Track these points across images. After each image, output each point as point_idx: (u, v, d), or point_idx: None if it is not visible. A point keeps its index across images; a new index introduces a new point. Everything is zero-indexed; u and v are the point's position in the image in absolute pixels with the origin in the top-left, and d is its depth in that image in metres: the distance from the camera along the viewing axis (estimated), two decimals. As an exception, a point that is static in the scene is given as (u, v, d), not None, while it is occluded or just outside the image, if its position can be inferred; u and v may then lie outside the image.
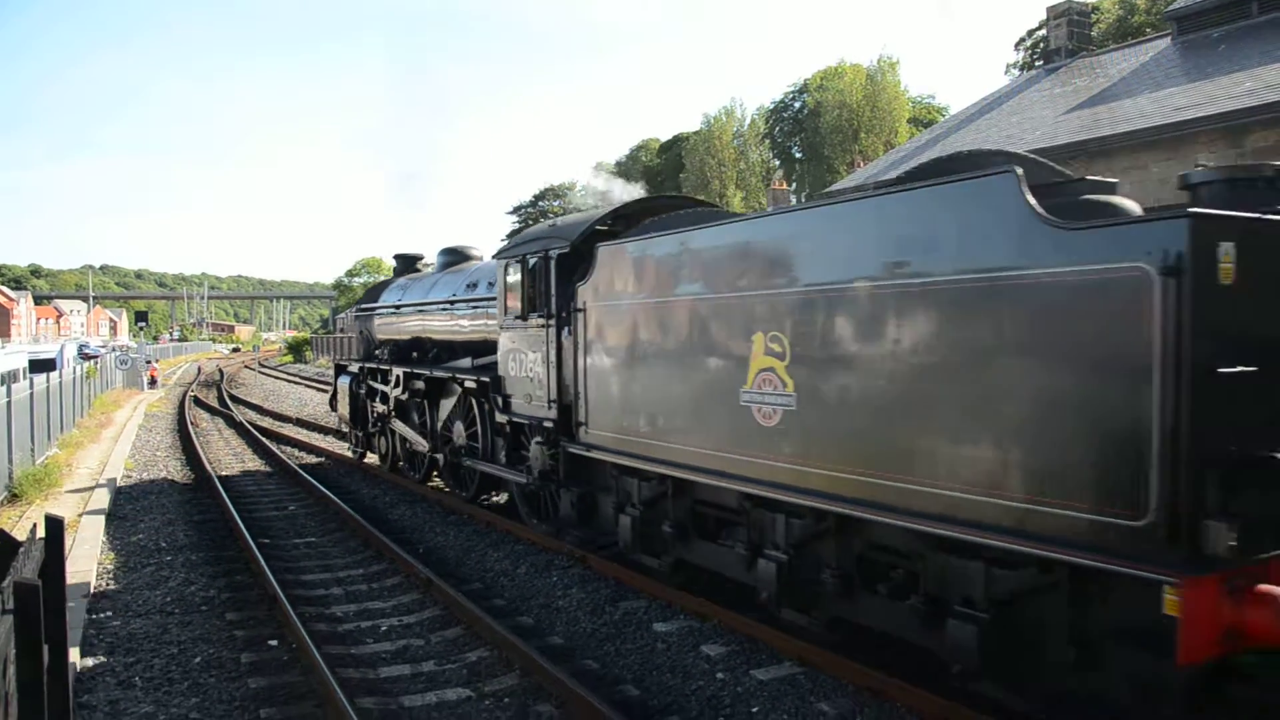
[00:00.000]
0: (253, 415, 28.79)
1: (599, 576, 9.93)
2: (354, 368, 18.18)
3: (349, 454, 18.87)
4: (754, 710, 6.47)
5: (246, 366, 61.56)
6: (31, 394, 16.89)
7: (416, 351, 15.75)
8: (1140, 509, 4.75)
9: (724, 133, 70.47)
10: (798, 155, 72.36)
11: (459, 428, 13.46)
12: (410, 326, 15.85)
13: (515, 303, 11.17)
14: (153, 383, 44.90)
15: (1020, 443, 5.35)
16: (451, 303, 14.24)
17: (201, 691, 7.06)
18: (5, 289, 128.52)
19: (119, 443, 21.77)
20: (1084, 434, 5.02)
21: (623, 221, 10.54)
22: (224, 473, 17.54)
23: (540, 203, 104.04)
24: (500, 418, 11.64)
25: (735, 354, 7.50)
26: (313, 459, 19.73)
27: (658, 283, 8.57)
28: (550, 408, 10.42)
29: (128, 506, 14.10)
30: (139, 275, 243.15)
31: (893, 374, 6.10)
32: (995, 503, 5.45)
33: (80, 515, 12.89)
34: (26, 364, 39.41)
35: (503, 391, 11.56)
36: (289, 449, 21.15)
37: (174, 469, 18.35)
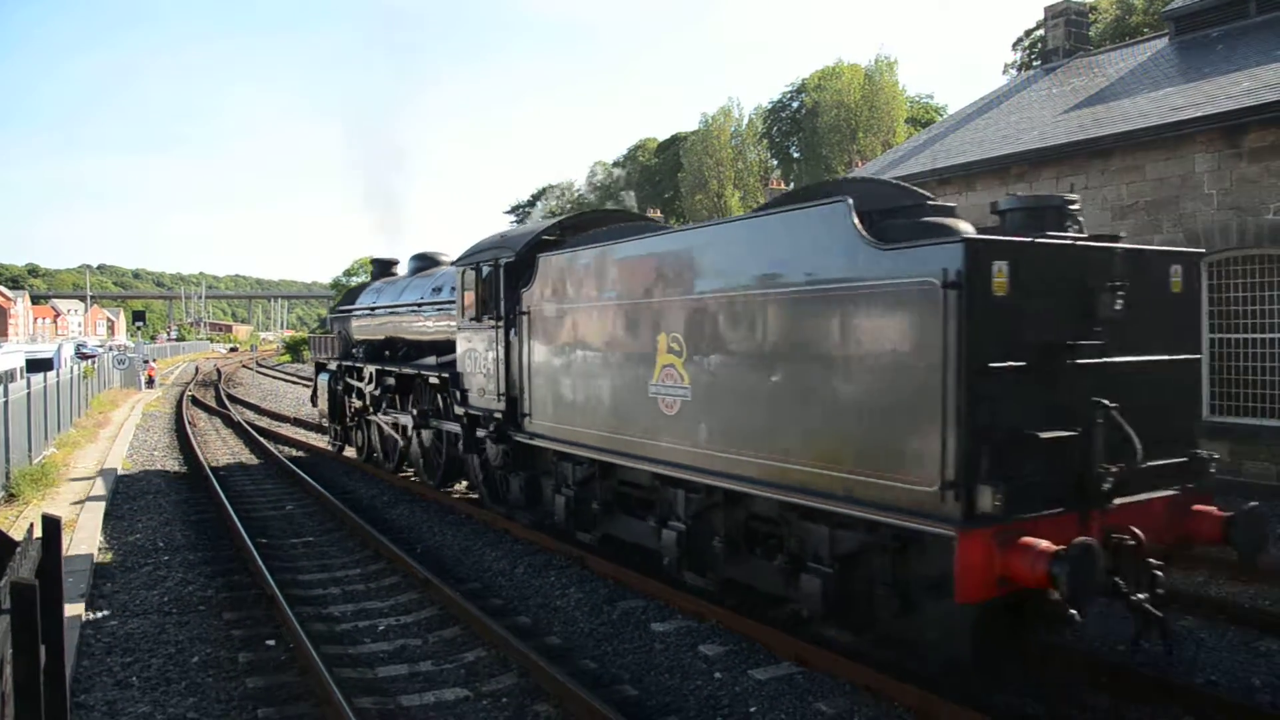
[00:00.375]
0: (250, 415, 28.77)
1: (597, 576, 9.93)
2: (332, 366, 19.23)
3: (329, 447, 19.93)
4: (752, 710, 6.47)
5: (244, 366, 61.52)
6: (29, 394, 16.86)
7: (389, 350, 16.74)
8: (933, 477, 5.82)
9: (722, 132, 70.49)
10: (795, 155, 72.39)
11: (433, 421, 14.35)
12: (383, 327, 16.91)
13: (470, 306, 12.21)
14: (150, 382, 44.85)
15: (851, 425, 6.47)
16: (419, 305, 15.31)
17: (199, 691, 7.05)
18: (2, 288, 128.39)
19: (116, 442, 21.74)
20: (895, 417, 6.12)
21: (569, 232, 11.69)
22: (221, 472, 17.52)
23: (538, 202, 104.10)
24: (458, 410, 12.65)
25: (645, 352, 8.63)
26: (311, 458, 19.71)
27: (585, 289, 9.69)
28: (500, 400, 11.52)
29: (125, 506, 14.08)
30: (136, 275, 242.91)
31: (761, 369, 7.26)
32: (834, 475, 6.56)
33: (77, 515, 12.87)
34: (23, 364, 39.34)
35: (461, 386, 12.62)
36: (286, 448, 21.14)
37: (171, 469, 18.33)
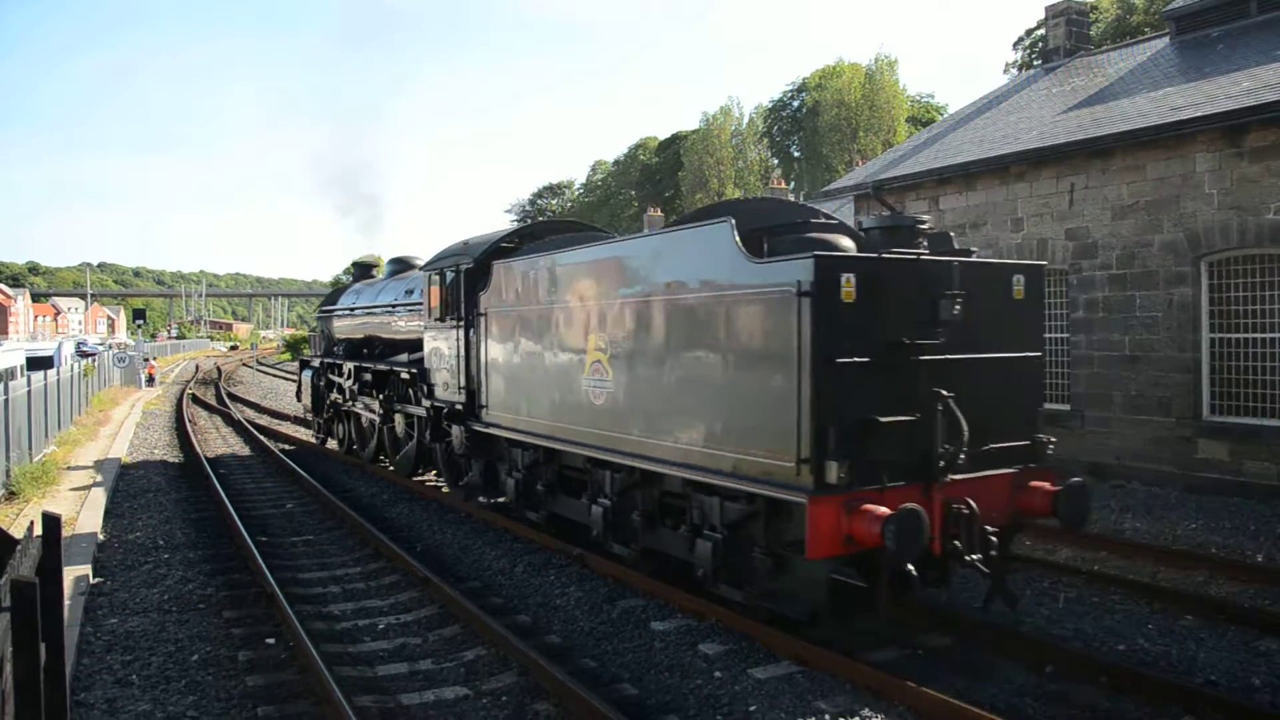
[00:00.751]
0: (250, 413, 28.78)
1: (596, 575, 9.94)
2: (315, 362, 20.53)
3: (313, 439, 21.18)
4: (752, 709, 6.47)
5: (244, 364, 61.51)
6: (29, 391, 16.87)
7: (367, 348, 18.02)
8: (791, 454, 6.89)
9: (722, 132, 70.48)
10: (796, 154, 72.35)
11: (400, 413, 15.58)
12: (362, 326, 18.12)
13: (436, 307, 13.42)
14: (150, 381, 44.84)
15: (733, 411, 7.60)
16: (394, 306, 16.39)
17: (199, 690, 7.05)
18: (3, 286, 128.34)
19: (117, 440, 21.75)
20: (765, 404, 7.19)
21: (527, 240, 12.76)
22: (222, 471, 17.53)
23: (539, 201, 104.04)
24: (425, 402, 13.90)
25: (579, 349, 9.77)
26: (311, 457, 19.71)
27: (531, 293, 10.86)
28: (460, 393, 12.67)
29: (125, 504, 14.08)
30: (137, 273, 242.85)
31: (666, 364, 8.40)
32: (723, 455, 7.65)
33: (77, 513, 12.87)
34: (24, 362, 39.34)
35: (428, 381, 13.83)
36: (287, 446, 21.14)
37: (172, 467, 18.33)
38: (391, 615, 8.88)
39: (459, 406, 12.73)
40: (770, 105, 74.72)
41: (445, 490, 14.32)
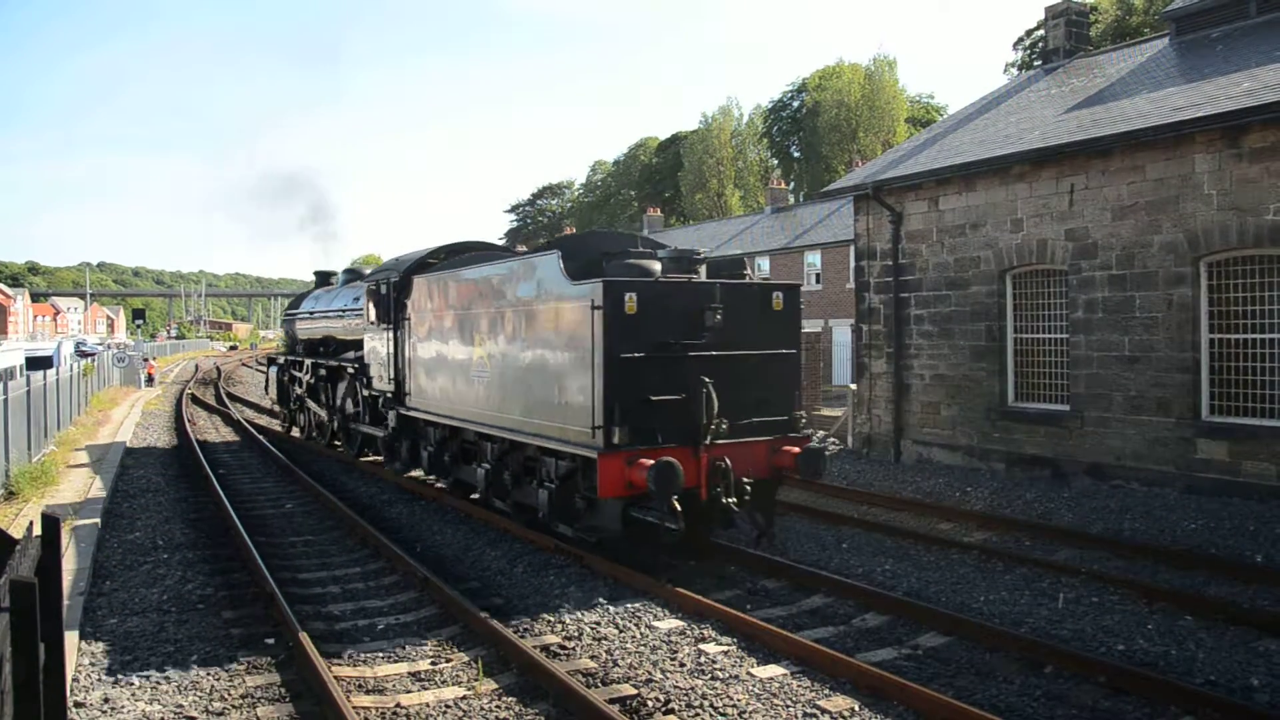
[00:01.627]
0: (250, 413, 28.76)
1: (596, 575, 9.94)
2: (281, 360, 23.45)
3: (279, 428, 23.97)
4: (752, 708, 6.47)
5: (244, 364, 61.45)
6: (28, 391, 16.86)
7: (323, 347, 20.55)
8: (589, 423, 9.44)
9: (722, 132, 70.46)
10: (796, 154, 72.32)
11: (348, 402, 18.17)
12: (319, 329, 20.64)
13: (372, 313, 16.01)
14: (150, 380, 44.82)
15: (561, 393, 10.12)
16: (344, 311, 18.77)
17: (198, 689, 7.04)
18: (2, 286, 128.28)
19: (116, 440, 21.73)
20: (576, 387, 9.76)
21: (447, 257, 15.24)
22: (221, 471, 17.52)
23: (539, 201, 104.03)
24: (365, 392, 16.79)
25: (469, 347, 12.43)
26: (309, 457, 19.70)
27: (440, 303, 13.54)
28: (390, 384, 15.33)
29: (124, 504, 14.07)
30: (136, 273, 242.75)
31: (521, 358, 11.01)
32: (555, 425, 10.21)
33: (77, 512, 12.87)
34: (23, 361, 39.32)
35: (368, 375, 16.54)
36: (287, 447, 21.12)
37: (171, 467, 18.33)
38: (391, 615, 8.88)
39: (390, 395, 15.45)
40: (770, 105, 74.72)
41: (387, 468, 16.46)
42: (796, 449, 10.28)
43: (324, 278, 22.76)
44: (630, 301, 9.48)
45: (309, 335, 21.27)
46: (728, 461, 9.66)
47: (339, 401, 18.71)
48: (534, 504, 11.13)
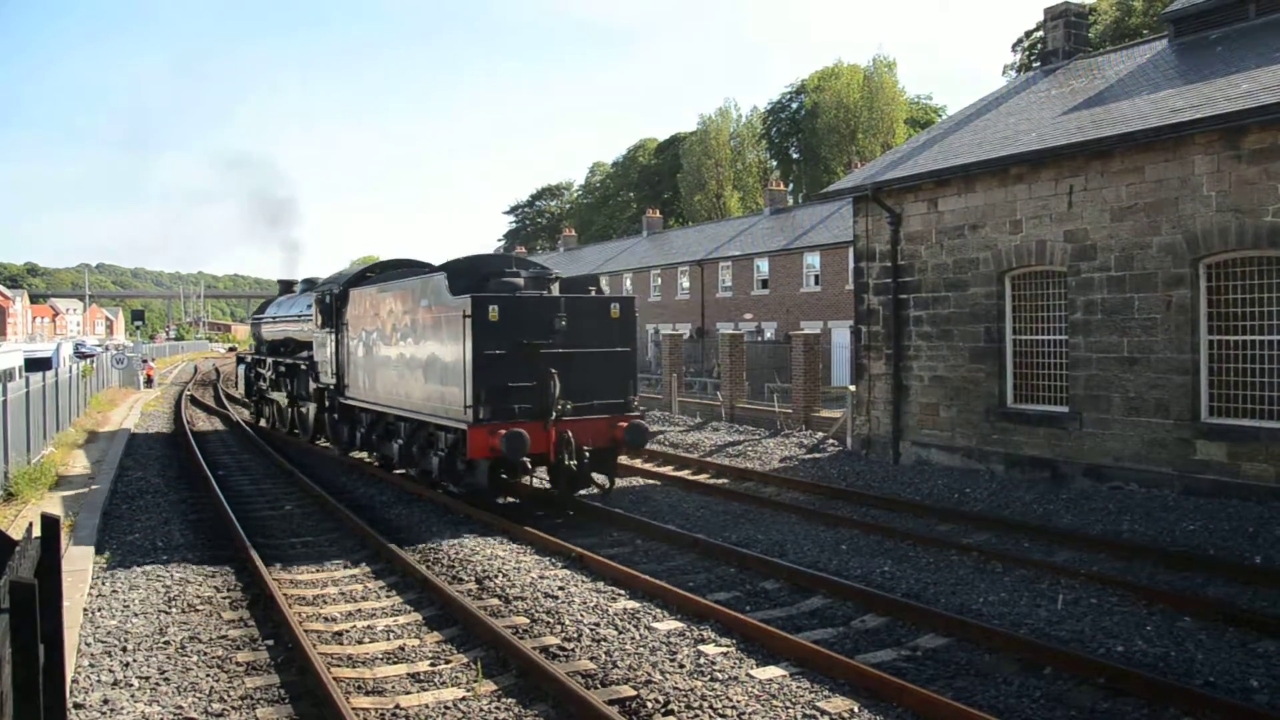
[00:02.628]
0: (248, 414, 28.74)
1: (596, 575, 9.94)
2: (248, 359, 26.86)
3: (249, 418, 27.41)
4: (752, 710, 6.47)
5: (243, 366, 61.35)
6: (27, 393, 16.85)
7: (283, 347, 23.17)
8: (463, 403, 12.50)
9: (720, 133, 70.44)
10: (795, 156, 72.31)
11: (302, 394, 21.14)
12: (280, 331, 23.41)
13: (320, 319, 18.98)
14: (149, 382, 44.80)
15: (446, 381, 13.19)
16: (300, 316, 21.44)
17: (198, 690, 7.04)
18: (1, 287, 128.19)
19: (114, 441, 21.72)
20: (456, 378, 12.78)
21: (381, 272, 18.36)
22: (220, 472, 17.52)
23: (537, 202, 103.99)
24: (314, 385, 19.79)
25: (389, 346, 15.58)
26: (310, 459, 19.70)
27: (369, 311, 16.65)
28: (334, 378, 18.41)
29: (124, 506, 14.07)
30: (135, 274, 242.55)
31: (422, 355, 14.03)
32: (443, 405, 13.31)
33: (76, 514, 12.86)
34: (22, 363, 39.27)
35: (316, 370, 19.46)
36: (279, 445, 21.11)
37: (170, 469, 18.31)
38: (390, 617, 8.88)
39: (333, 387, 18.51)
40: (769, 107, 74.72)
41: (333, 449, 19.57)
42: (625, 424, 13.21)
43: (287, 286, 25.51)
44: (493, 311, 12.64)
45: (271, 337, 24.14)
46: (571, 434, 12.78)
47: (295, 394, 21.94)
48: (431, 469, 14.30)
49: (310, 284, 22.76)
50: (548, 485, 13.96)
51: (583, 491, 14.05)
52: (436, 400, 13.72)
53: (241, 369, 27.94)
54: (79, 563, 10.16)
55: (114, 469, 17.25)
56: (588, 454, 12.93)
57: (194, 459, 18.74)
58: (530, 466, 12.85)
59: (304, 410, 21.17)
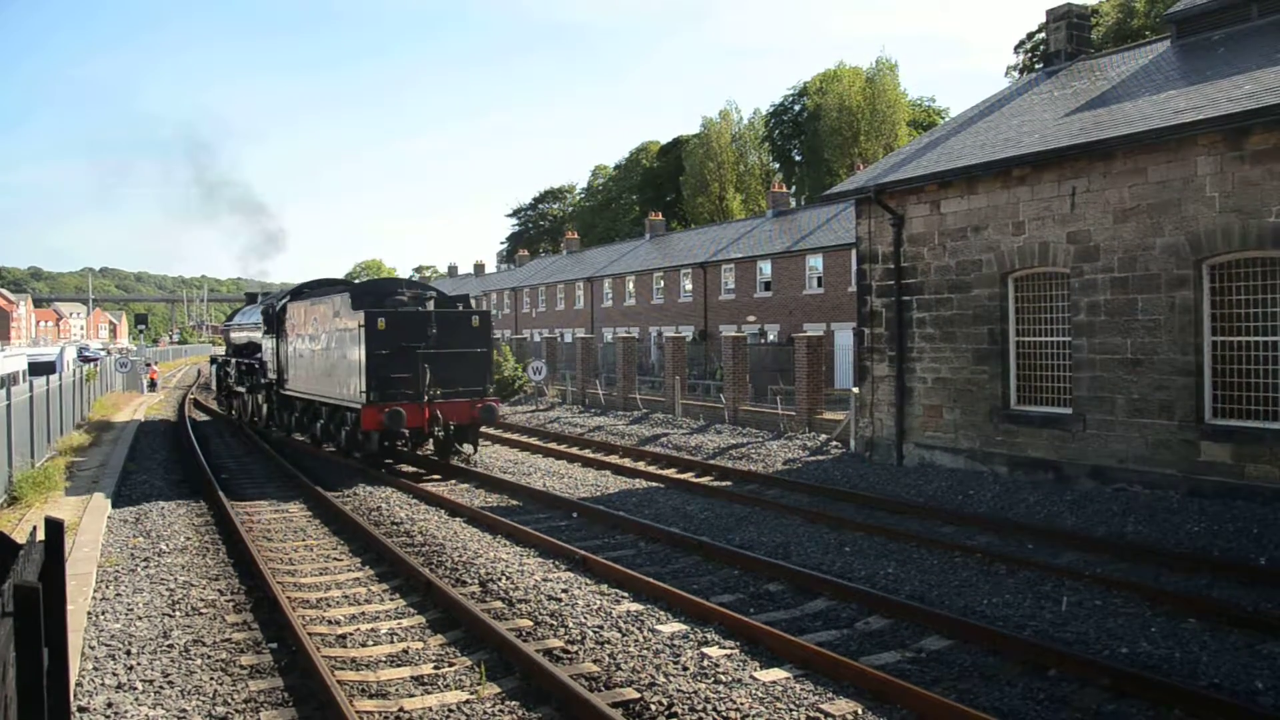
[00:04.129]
0: (220, 408, 28.74)
1: (600, 577, 9.94)
2: (219, 359, 32.17)
3: (219, 411, 31.96)
4: (756, 712, 6.46)
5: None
6: (31, 397, 16.87)
7: (245, 350, 27.18)
8: (359, 389, 17.50)
9: (722, 136, 70.42)
10: (797, 158, 72.27)
11: (257, 388, 25.53)
12: (243, 336, 27.58)
13: (268, 327, 23.47)
14: (153, 385, 44.85)
15: (349, 374, 18.05)
16: (257, 324, 25.28)
17: (201, 693, 7.05)
18: (5, 292, 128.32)
19: (118, 445, 21.75)
20: (354, 372, 17.72)
21: (314, 289, 22.83)
22: (224, 476, 17.54)
23: (540, 205, 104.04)
24: (263, 380, 24.40)
25: (317, 350, 19.75)
26: (310, 461, 19.72)
27: (300, 321, 21.07)
28: (276, 375, 22.91)
29: (128, 510, 14.08)
30: (139, 278, 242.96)
31: (334, 356, 18.84)
32: (347, 393, 18.16)
33: (80, 518, 12.87)
34: (26, 367, 39.33)
35: (265, 368, 24.15)
36: (287, 451, 21.13)
37: (175, 471, 18.33)
38: (392, 620, 8.88)
39: (275, 381, 23.06)
40: (771, 109, 74.70)
41: (276, 433, 23.80)
42: (481, 405, 18.04)
43: (251, 297, 29.87)
44: (381, 322, 17.32)
45: (236, 341, 28.57)
46: (439, 412, 17.56)
47: (251, 388, 26.42)
48: (342, 445, 19.20)
49: (267, 295, 27.17)
50: (434, 455, 19.10)
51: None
52: (344, 388, 18.33)
53: (213, 368, 33.84)
54: (83, 566, 10.17)
55: (118, 473, 17.26)
56: (453, 427, 17.99)
57: (189, 440, 21.87)
58: (408, 436, 17.52)
59: (259, 401, 25.56)
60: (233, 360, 28.57)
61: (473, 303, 21.11)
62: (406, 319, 17.54)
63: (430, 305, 18.19)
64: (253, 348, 25.78)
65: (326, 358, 19.16)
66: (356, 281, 22.73)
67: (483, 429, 19.67)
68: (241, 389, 27.72)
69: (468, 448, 18.61)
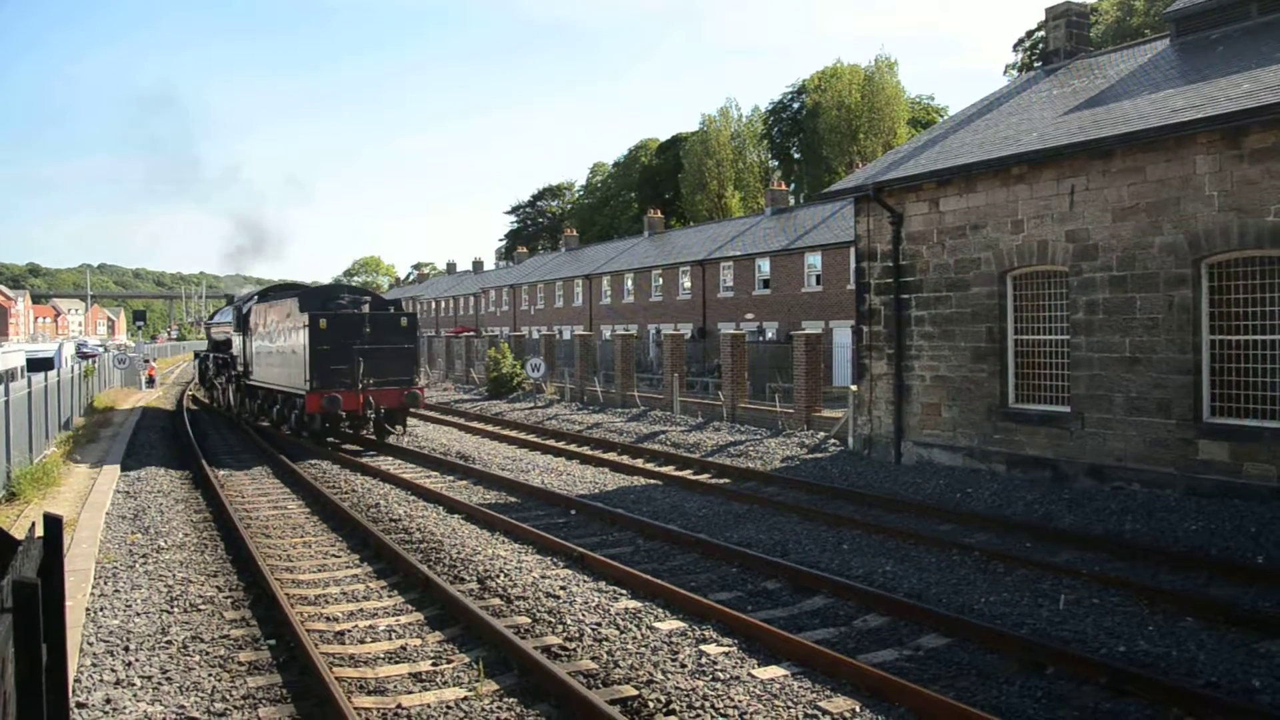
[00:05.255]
0: (205, 397, 28.74)
1: (597, 575, 9.94)
2: (202, 353, 36.20)
3: (204, 400, 35.26)
4: (754, 709, 6.47)
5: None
6: (29, 393, 16.86)
7: (223, 345, 30.66)
8: (304, 380, 20.72)
9: (721, 133, 70.39)
10: (796, 156, 72.26)
11: (231, 380, 28.66)
12: (222, 333, 30.83)
13: (237, 325, 26.97)
14: (150, 382, 44.82)
15: (296, 367, 21.34)
16: (231, 321, 28.65)
17: (199, 689, 7.05)
18: (3, 288, 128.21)
19: (117, 441, 21.74)
20: (301, 365, 21.00)
21: (278, 292, 26.16)
22: (221, 472, 17.53)
23: (539, 202, 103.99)
24: (234, 373, 27.64)
25: (273, 345, 23.37)
26: (312, 461, 19.71)
27: (260, 320, 24.46)
28: (243, 367, 26.18)
29: (127, 505, 14.08)
30: (137, 274, 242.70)
31: (286, 351, 22.17)
32: (295, 383, 21.38)
33: (79, 514, 12.87)
34: (24, 363, 39.30)
35: (235, 362, 27.56)
36: (287, 451, 21.12)
37: (173, 469, 18.33)
38: (393, 619, 8.88)
39: (242, 373, 26.30)
40: (770, 107, 74.67)
41: (244, 419, 26.67)
42: (407, 392, 21.19)
43: (230, 298, 33.77)
44: (322, 323, 20.34)
45: (216, 337, 32.17)
46: (372, 398, 20.60)
47: (226, 380, 29.55)
48: (293, 426, 22.04)
49: (242, 298, 29.43)
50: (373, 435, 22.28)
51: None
52: (293, 379, 21.40)
53: (196, 362, 39.54)
54: (82, 562, 10.17)
55: (116, 470, 17.25)
56: (384, 411, 21.07)
57: (184, 425, 24.25)
58: (346, 418, 20.80)
59: (232, 390, 28.77)
60: (212, 355, 32.50)
61: (404, 306, 24.55)
62: (345, 320, 20.71)
63: (365, 308, 21.47)
64: (228, 344, 29.16)
65: (281, 352, 22.42)
66: (311, 285, 27.12)
67: (410, 412, 23.47)
68: (219, 381, 31.03)
69: (398, 428, 21.99)
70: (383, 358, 20.87)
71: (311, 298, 21.71)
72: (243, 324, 25.95)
